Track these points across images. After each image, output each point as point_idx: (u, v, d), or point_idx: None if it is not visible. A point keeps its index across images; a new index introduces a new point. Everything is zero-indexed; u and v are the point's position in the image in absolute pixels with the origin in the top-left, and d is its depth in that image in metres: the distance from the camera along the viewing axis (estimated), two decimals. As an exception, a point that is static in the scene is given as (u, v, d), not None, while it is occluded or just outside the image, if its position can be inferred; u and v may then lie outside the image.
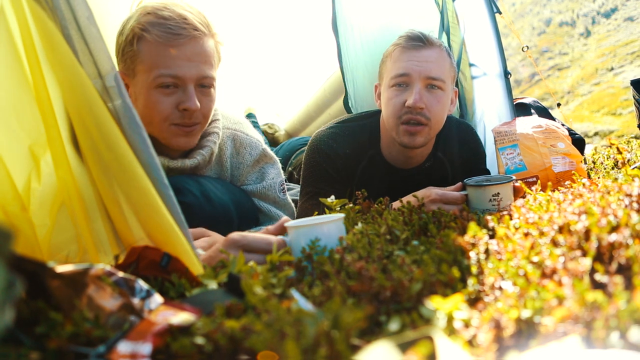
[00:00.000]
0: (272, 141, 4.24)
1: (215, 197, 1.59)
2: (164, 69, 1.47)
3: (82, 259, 1.03)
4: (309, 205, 1.90)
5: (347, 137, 1.97)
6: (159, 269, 0.92)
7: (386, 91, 1.88)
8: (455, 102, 1.99)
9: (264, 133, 4.36)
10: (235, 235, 1.12)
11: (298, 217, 1.95)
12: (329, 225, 1.06)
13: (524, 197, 1.50)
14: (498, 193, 1.44)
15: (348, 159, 1.94)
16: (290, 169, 2.96)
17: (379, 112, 2.01)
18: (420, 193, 1.59)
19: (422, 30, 1.89)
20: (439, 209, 1.28)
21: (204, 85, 1.56)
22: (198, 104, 1.52)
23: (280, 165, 1.90)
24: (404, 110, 1.81)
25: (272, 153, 1.87)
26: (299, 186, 2.09)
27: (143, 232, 1.00)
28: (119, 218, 1.02)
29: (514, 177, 1.51)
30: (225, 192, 1.66)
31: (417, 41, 1.83)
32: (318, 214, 1.35)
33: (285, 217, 1.21)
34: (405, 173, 2.01)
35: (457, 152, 2.06)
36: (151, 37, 1.46)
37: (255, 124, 3.96)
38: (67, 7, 0.93)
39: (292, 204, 1.92)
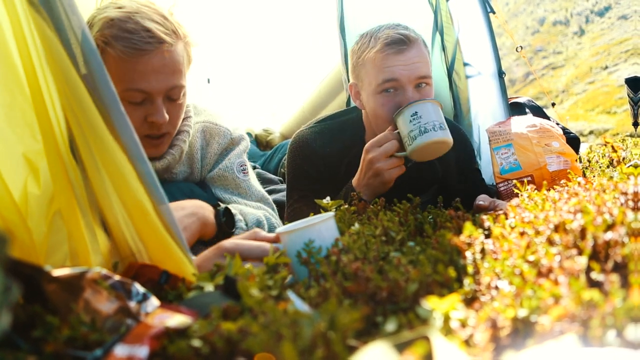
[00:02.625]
0: (268, 144, 4.24)
1: None
2: (130, 84, 1.42)
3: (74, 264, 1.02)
4: (296, 208, 1.89)
5: (328, 136, 1.95)
6: (158, 287, 0.91)
7: (374, 97, 1.81)
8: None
9: (259, 137, 4.36)
10: (227, 244, 1.10)
11: (288, 220, 1.94)
12: (319, 226, 1.05)
13: (519, 196, 1.50)
14: (416, 112, 1.58)
15: (330, 157, 1.92)
16: (283, 170, 2.96)
17: (356, 108, 1.98)
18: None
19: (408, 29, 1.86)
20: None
21: (173, 97, 1.53)
22: (166, 117, 1.49)
23: (246, 144, 1.87)
24: None
25: (240, 136, 1.84)
26: None
27: (139, 242, 0.99)
28: (115, 227, 1.01)
29: (432, 98, 1.69)
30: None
31: (401, 44, 1.76)
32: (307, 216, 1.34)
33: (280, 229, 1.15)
34: None
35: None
36: (115, 52, 1.40)
37: (252, 142, 3.94)
38: (65, 17, 0.93)
39: (257, 185, 1.88)
